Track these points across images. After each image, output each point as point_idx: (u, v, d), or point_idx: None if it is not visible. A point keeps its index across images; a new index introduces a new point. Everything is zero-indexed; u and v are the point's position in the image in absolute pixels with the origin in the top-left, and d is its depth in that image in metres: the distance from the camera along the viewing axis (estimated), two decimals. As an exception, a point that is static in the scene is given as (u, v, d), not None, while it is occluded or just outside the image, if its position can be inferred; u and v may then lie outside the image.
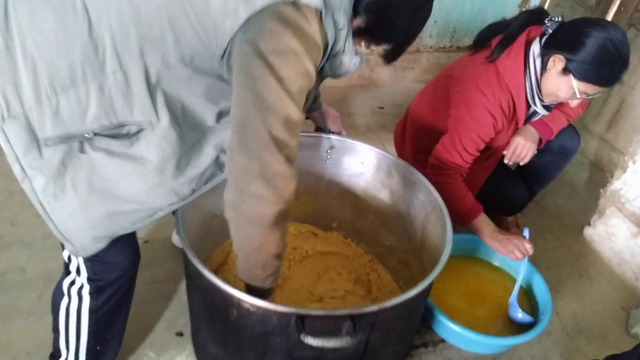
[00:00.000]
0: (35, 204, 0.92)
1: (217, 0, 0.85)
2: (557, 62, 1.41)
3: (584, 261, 1.94)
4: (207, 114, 0.98)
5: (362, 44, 1.04)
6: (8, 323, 1.45)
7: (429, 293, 1.28)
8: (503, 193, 1.76)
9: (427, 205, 1.37)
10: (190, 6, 0.86)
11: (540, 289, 1.60)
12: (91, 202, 0.94)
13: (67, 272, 1.10)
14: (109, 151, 0.91)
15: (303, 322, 0.96)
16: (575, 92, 1.41)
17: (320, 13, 0.89)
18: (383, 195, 1.54)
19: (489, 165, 1.72)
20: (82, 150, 0.90)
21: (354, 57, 1.01)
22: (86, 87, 0.86)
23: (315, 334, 0.96)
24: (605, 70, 1.35)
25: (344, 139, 1.50)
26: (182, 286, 1.63)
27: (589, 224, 2.02)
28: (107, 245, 1.02)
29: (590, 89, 1.40)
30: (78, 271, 1.07)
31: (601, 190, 1.96)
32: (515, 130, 1.64)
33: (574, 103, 1.49)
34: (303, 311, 0.98)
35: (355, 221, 1.65)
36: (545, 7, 2.81)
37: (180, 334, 1.49)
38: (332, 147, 1.52)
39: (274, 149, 0.88)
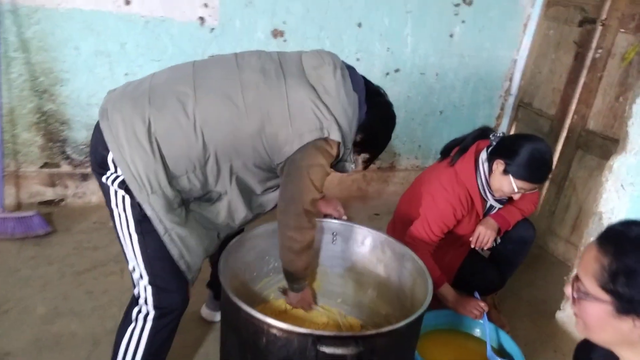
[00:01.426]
0: (173, 250, 1.39)
1: (282, 136, 1.41)
2: (499, 165, 1.89)
3: (557, 340, 2.21)
4: (258, 189, 1.56)
5: (356, 151, 1.67)
6: (61, 376, 1.71)
7: (419, 330, 1.57)
8: (477, 275, 2.13)
9: (414, 272, 1.71)
10: (266, 139, 1.43)
11: (512, 348, 1.88)
12: (202, 237, 1.48)
13: (136, 304, 1.44)
14: (200, 207, 1.51)
15: (319, 341, 1.27)
16: (514, 188, 1.87)
17: (339, 144, 1.48)
18: (379, 269, 1.88)
19: (462, 252, 2.11)
20: (189, 207, 1.47)
21: (351, 164, 1.64)
22: (194, 174, 1.40)
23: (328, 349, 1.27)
24: (534, 171, 1.84)
25: (346, 223, 1.90)
26: (210, 349, 1.90)
27: (560, 309, 2.32)
28: (175, 284, 1.42)
29: (525, 185, 1.86)
30: (146, 302, 1.42)
31: (565, 278, 2.29)
32: (478, 221, 2.07)
33: (516, 196, 1.94)
34: (318, 332, 1.29)
35: (357, 296, 1.97)
36: (512, 132, 3.38)
37: (208, 387, 1.74)
38: (336, 231, 1.91)
39: (304, 215, 1.48)
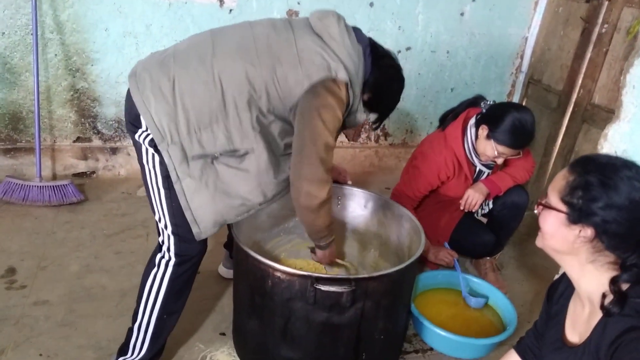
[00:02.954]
0: (181, 199, 1.48)
1: (292, 78, 1.48)
2: (484, 130, 2.03)
3: (553, 302, 2.32)
4: (280, 145, 1.58)
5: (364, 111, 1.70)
6: (93, 321, 1.92)
7: (411, 278, 1.72)
8: (473, 237, 2.28)
9: (410, 231, 1.86)
10: (278, 82, 1.48)
11: (505, 303, 2.02)
12: (216, 198, 1.51)
13: (160, 250, 1.60)
14: (228, 165, 1.51)
15: (317, 281, 1.44)
16: (495, 152, 2.03)
17: (347, 85, 1.52)
18: (380, 230, 2.03)
19: (456, 216, 2.27)
20: (212, 163, 1.49)
21: (363, 115, 1.67)
22: (217, 126, 1.47)
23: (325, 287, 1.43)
24: (515, 137, 1.98)
25: (350, 187, 2.05)
26: (226, 302, 2.09)
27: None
28: (192, 235, 1.53)
29: (505, 150, 2.02)
30: (169, 249, 1.57)
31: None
32: (468, 186, 2.21)
33: (499, 161, 2.09)
34: (316, 274, 1.46)
35: (360, 255, 2.12)
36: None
37: (223, 334, 1.93)
38: (341, 195, 2.06)
39: (318, 163, 1.49)
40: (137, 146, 1.53)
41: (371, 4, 3.03)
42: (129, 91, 1.50)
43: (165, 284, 1.59)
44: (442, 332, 1.84)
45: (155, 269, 1.60)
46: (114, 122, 2.92)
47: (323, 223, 1.60)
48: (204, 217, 1.53)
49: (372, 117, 1.74)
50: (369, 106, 1.70)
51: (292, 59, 1.48)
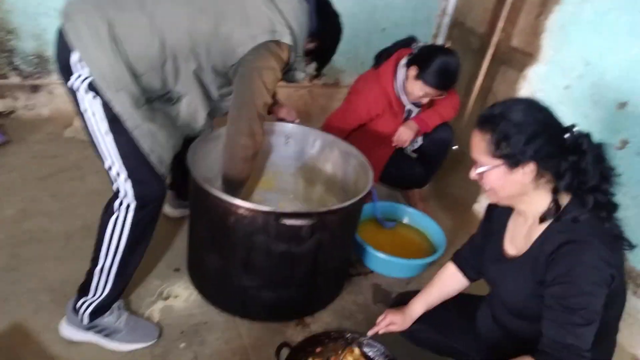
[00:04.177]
0: (145, 143, 1.47)
1: (236, 36, 1.51)
2: (413, 71, 2.18)
3: (472, 226, 2.58)
4: (215, 93, 1.66)
5: (307, 60, 1.82)
6: (41, 264, 1.89)
7: (359, 211, 1.87)
8: (404, 170, 2.50)
9: (357, 167, 1.98)
10: (220, 39, 1.51)
11: (435, 230, 2.26)
12: (171, 132, 1.58)
13: (116, 197, 1.56)
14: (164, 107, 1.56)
15: (280, 216, 1.53)
16: (422, 92, 2.19)
17: (290, 47, 1.59)
18: (327, 167, 2.14)
19: (388, 151, 2.43)
20: (154, 105, 1.52)
21: (301, 74, 1.79)
22: (154, 72, 1.48)
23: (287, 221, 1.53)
24: (440, 79, 2.15)
25: (298, 126, 2.11)
26: (175, 241, 2.13)
27: (476, 202, 2.71)
28: (151, 176, 1.54)
29: (432, 90, 2.18)
30: (126, 194, 1.54)
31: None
32: (398, 123, 2.38)
33: (424, 100, 2.26)
34: (279, 210, 1.54)
35: (305, 191, 2.23)
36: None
37: (177, 270, 1.99)
38: (290, 133, 2.12)
39: (257, 120, 1.61)
40: (73, 93, 1.44)
41: (306, -62, 2.98)
42: (60, 34, 1.41)
43: (127, 229, 1.57)
44: (383, 256, 2.04)
45: (115, 214, 1.55)
46: (34, 57, 2.69)
47: (248, 173, 1.73)
48: (166, 154, 1.55)
49: (311, 68, 1.85)
50: (312, 54, 1.78)
51: (237, 18, 1.50)
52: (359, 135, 2.46)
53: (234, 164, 1.68)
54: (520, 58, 2.95)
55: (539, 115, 1.14)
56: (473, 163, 1.21)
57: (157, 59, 1.46)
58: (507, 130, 1.11)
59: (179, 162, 1.79)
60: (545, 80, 2.25)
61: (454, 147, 2.59)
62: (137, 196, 1.55)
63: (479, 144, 1.16)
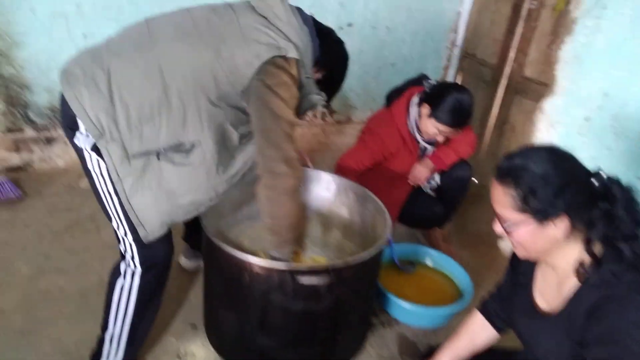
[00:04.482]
0: (123, 200, 1.38)
1: (239, 57, 1.39)
2: (425, 109, 2.14)
3: (498, 264, 2.52)
4: (233, 136, 1.50)
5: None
6: (55, 325, 1.85)
7: (380, 261, 1.80)
8: (424, 209, 2.42)
9: (374, 211, 1.93)
10: (224, 63, 1.39)
11: (461, 273, 2.17)
12: (159, 198, 1.41)
13: (123, 259, 1.51)
14: (173, 162, 1.42)
15: (296, 274, 1.47)
16: (436, 130, 2.14)
17: (297, 63, 1.48)
18: (343, 211, 2.09)
19: (406, 189, 2.37)
20: (158, 159, 1.39)
21: (317, 97, 1.63)
22: (160, 119, 1.36)
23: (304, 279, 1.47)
24: (454, 116, 2.09)
25: (312, 170, 2.08)
26: (191, 294, 2.08)
27: (501, 238, 2.62)
28: (158, 239, 1.48)
29: (445, 128, 2.12)
30: (133, 258, 1.49)
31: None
32: (413, 161, 2.33)
33: (440, 138, 2.20)
34: (295, 267, 1.49)
35: (323, 236, 2.18)
36: (458, 81, 3.63)
37: (194, 326, 1.93)
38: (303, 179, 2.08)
39: (287, 141, 1.43)
40: (79, 152, 1.40)
41: (312, -20, 3.01)
42: (62, 95, 1.37)
43: (134, 295, 1.52)
44: (407, 305, 1.96)
45: (122, 279, 1.51)
46: (48, 110, 2.73)
47: (296, 215, 1.50)
48: (149, 218, 1.43)
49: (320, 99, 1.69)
50: (320, 85, 1.67)
51: (236, 39, 1.41)
52: (374, 175, 2.41)
53: (278, 203, 1.45)
54: (535, 88, 2.90)
55: (563, 164, 1.07)
56: (496, 215, 1.15)
57: (161, 102, 1.36)
58: (532, 183, 1.05)
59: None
60: (563, 112, 2.19)
61: (473, 180, 2.52)
62: (142, 261, 1.50)
63: (503, 198, 1.10)
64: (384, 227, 1.76)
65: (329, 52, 1.63)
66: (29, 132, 2.74)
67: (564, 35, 2.15)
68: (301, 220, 1.56)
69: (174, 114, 1.38)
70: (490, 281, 2.41)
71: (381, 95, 3.62)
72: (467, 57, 3.53)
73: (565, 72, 2.16)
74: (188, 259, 2.20)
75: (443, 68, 3.73)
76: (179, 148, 1.42)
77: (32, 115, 2.71)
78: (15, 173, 2.75)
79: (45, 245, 2.25)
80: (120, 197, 1.39)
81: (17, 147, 2.73)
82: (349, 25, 3.25)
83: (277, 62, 1.42)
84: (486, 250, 2.63)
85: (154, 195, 1.41)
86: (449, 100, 2.09)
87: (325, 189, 2.10)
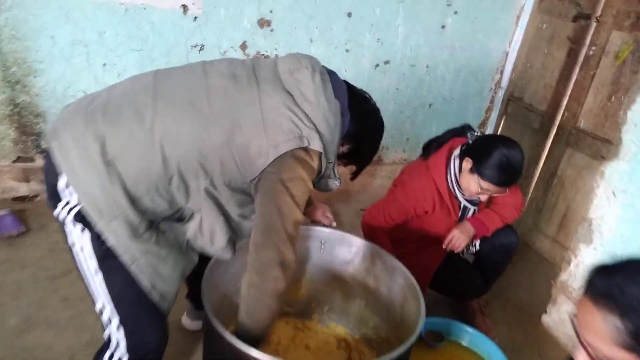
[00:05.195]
0: (142, 280, 1.24)
1: (255, 146, 1.24)
2: (468, 163, 1.86)
3: (542, 344, 2.21)
4: (233, 212, 1.37)
5: (342, 163, 1.54)
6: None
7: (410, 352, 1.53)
8: (462, 280, 2.12)
9: (405, 287, 1.67)
10: (236, 151, 1.25)
11: (496, 353, 1.88)
12: (179, 260, 1.31)
13: (107, 347, 1.31)
14: (174, 228, 1.31)
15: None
16: (479, 188, 1.85)
17: (320, 154, 1.32)
18: (368, 280, 1.83)
19: (439, 254, 2.09)
20: (160, 229, 1.28)
21: (335, 181, 1.49)
22: (158, 194, 1.23)
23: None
24: (500, 174, 1.79)
25: (335, 231, 1.84)
26: (195, 358, 1.84)
27: (545, 312, 2.31)
28: (149, 322, 1.29)
29: (490, 186, 1.83)
30: (118, 346, 1.29)
31: (552, 281, 2.28)
32: (454, 222, 2.05)
33: (483, 197, 1.91)
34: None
35: (344, 304, 1.92)
36: (500, 126, 3.35)
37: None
38: (325, 239, 1.84)
39: (288, 244, 1.26)
40: (61, 223, 1.24)
41: (349, 14, 2.81)
42: (48, 155, 1.22)
43: None
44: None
45: None
46: (61, 141, 2.57)
47: (275, 312, 1.32)
48: (172, 288, 1.30)
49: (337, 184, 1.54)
50: (347, 158, 1.52)
51: (255, 123, 1.25)
52: (405, 234, 2.15)
53: (262, 305, 1.29)
54: (589, 142, 2.62)
55: None
56: (583, 343, 0.87)
57: (160, 178, 1.22)
58: None
59: (196, 269, 1.54)
60: (629, 180, 1.89)
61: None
62: (130, 348, 1.29)
63: (598, 327, 0.82)
64: (417, 314, 1.50)
65: (361, 125, 1.45)
66: (40, 162, 2.59)
67: (635, 94, 1.86)
68: (275, 320, 1.40)
69: (172, 188, 1.26)
70: (531, 363, 2.10)
71: (416, 136, 3.40)
72: (513, 100, 3.26)
73: (633, 136, 1.86)
74: (191, 319, 1.97)
75: (485, 110, 3.46)
76: (177, 216, 1.31)
77: (44, 145, 2.56)
78: (22, 203, 2.60)
79: (39, 292, 2.06)
80: (138, 277, 1.25)
81: (26, 177, 2.58)
82: (386, 62, 3.03)
83: (296, 155, 1.27)
84: (528, 326, 2.31)
85: (173, 261, 1.31)
86: (496, 156, 1.80)
87: (348, 253, 1.85)
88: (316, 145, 1.28)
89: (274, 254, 1.25)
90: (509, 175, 1.82)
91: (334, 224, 1.88)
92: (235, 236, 1.40)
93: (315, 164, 1.31)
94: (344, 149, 1.48)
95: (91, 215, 1.17)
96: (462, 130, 2.06)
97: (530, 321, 2.34)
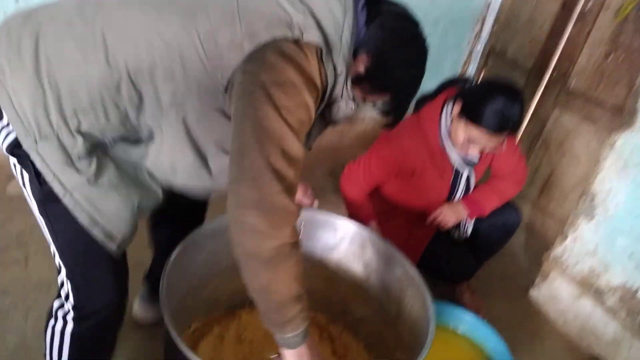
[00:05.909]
0: (79, 215, 0.96)
1: (224, 36, 0.89)
2: (458, 106, 1.59)
3: (532, 323, 2.07)
4: (208, 142, 1.02)
5: (359, 95, 1.05)
6: None
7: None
8: (454, 263, 1.90)
9: (404, 281, 1.42)
10: (199, 42, 0.90)
11: (493, 339, 1.71)
12: (132, 194, 1.01)
13: (58, 295, 1.11)
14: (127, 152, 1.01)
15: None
16: (465, 135, 1.56)
17: (320, 51, 0.93)
18: (356, 267, 1.57)
19: (427, 233, 1.86)
20: (108, 154, 0.98)
21: (350, 102, 1.03)
22: (104, 108, 0.92)
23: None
24: (489, 115, 1.49)
25: (318, 211, 1.55)
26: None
27: (532, 286, 2.17)
28: (97, 276, 1.06)
29: (477, 133, 1.53)
30: (67, 297, 1.09)
31: (544, 256, 2.12)
32: (445, 188, 1.81)
33: (473, 151, 1.61)
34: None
35: (327, 291, 1.66)
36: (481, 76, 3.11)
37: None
38: (306, 220, 1.55)
39: (271, 177, 0.86)
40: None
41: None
42: None
43: (67, 342, 1.12)
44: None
45: (53, 321, 1.13)
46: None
47: (286, 291, 0.92)
48: (120, 224, 1.02)
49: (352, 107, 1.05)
50: (367, 81, 1.03)
51: (226, 6, 0.92)
52: (392, 206, 1.88)
53: (249, 272, 0.92)
54: (579, 104, 2.43)
55: None
56: None
57: (104, 85, 0.91)
58: None
59: (162, 238, 1.43)
60: (644, 153, 1.71)
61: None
62: (75, 304, 1.08)
63: None
64: (424, 308, 1.26)
65: (382, 29, 0.98)
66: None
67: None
68: (299, 289, 0.95)
69: (123, 100, 0.94)
70: (523, 341, 1.94)
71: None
72: (494, 54, 3.01)
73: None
74: (146, 308, 1.63)
75: (462, 64, 3.19)
76: (132, 138, 1.00)
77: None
78: None
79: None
80: (76, 214, 0.97)
81: None
82: (361, 6, 2.66)
83: (283, 49, 0.89)
84: (516, 302, 2.16)
85: (125, 193, 1.00)
86: (489, 97, 1.49)
87: (333, 236, 1.58)
88: (312, 36, 0.90)
89: (248, 190, 0.87)
90: (501, 120, 1.49)
91: (317, 202, 1.58)
92: (209, 173, 1.05)
93: (312, 67, 0.92)
94: (360, 65, 1.01)
95: (18, 132, 0.91)
96: (457, 80, 1.78)
97: (518, 296, 2.19)
